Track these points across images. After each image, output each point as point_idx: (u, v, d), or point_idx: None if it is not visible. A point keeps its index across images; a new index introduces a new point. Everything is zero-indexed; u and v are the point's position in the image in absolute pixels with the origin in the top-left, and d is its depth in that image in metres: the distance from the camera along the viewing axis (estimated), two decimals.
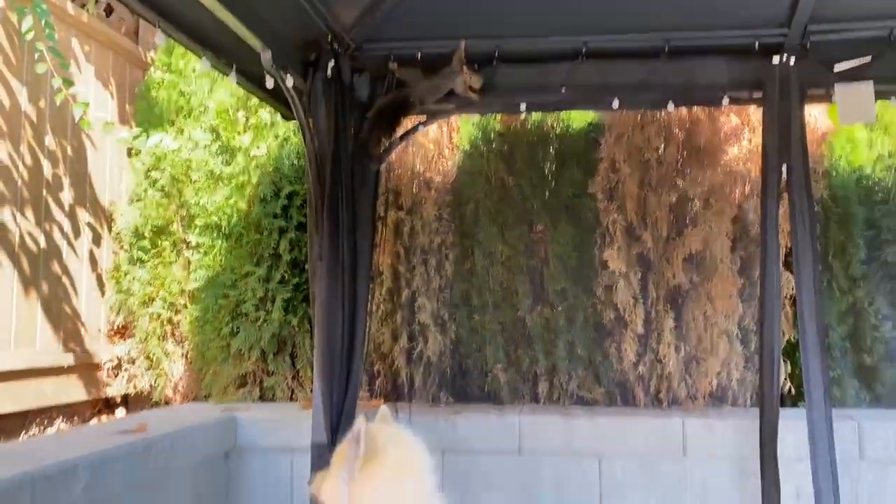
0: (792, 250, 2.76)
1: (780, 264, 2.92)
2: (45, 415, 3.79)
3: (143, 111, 4.17)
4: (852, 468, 2.91)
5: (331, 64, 2.81)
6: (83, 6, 4.12)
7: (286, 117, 3.36)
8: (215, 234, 3.76)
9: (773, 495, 2.78)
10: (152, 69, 4.30)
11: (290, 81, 2.63)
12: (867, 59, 2.77)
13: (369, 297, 3.19)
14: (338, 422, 2.97)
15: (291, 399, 3.77)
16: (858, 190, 3.48)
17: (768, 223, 2.83)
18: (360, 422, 2.19)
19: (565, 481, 3.07)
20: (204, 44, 2.48)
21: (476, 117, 3.59)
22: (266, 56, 2.46)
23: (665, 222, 3.28)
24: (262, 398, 3.79)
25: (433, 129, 3.59)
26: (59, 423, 3.86)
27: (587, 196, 3.41)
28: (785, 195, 2.88)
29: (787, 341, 3.23)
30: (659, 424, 3.04)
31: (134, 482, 2.47)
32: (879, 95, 2.83)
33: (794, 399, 3.28)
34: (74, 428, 3.71)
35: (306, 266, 3.76)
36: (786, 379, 3.22)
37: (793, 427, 2.93)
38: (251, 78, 2.72)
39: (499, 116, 3.62)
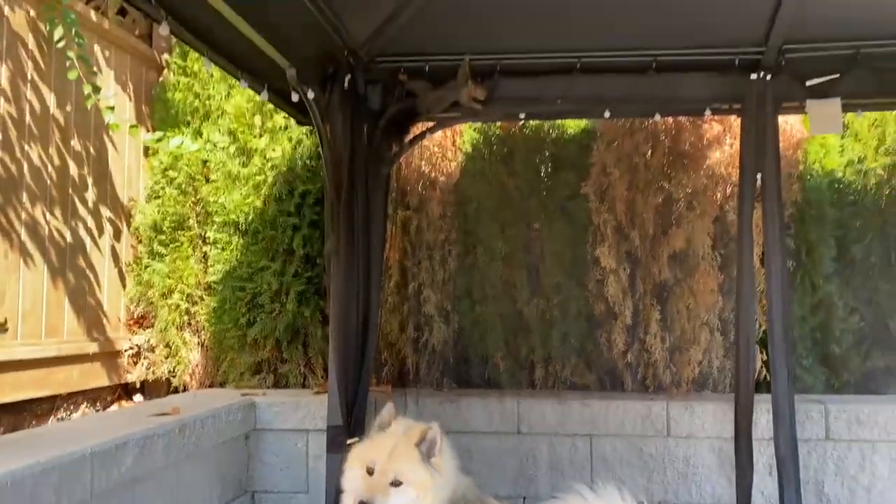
0: (764, 250, 3.06)
1: (755, 262, 3.22)
2: (71, 399, 4.04)
3: (160, 113, 4.41)
4: (819, 447, 3.21)
5: (347, 77, 3.06)
6: (102, 12, 4.33)
7: (300, 122, 3.62)
8: (232, 231, 4.02)
9: (746, 470, 3.09)
10: (167, 72, 4.53)
11: (310, 94, 2.88)
12: (836, 75, 3.06)
13: (381, 288, 3.48)
14: (353, 404, 3.25)
15: (304, 385, 4.03)
16: (831, 192, 3.77)
17: (744, 225, 3.11)
18: (435, 427, 2.43)
19: (560, 459, 3.35)
20: (240, 67, 2.75)
21: (479, 123, 3.86)
22: (291, 73, 2.71)
23: (651, 222, 3.56)
24: (276, 384, 4.05)
25: (438, 133, 3.85)
26: (84, 408, 4.11)
27: (580, 197, 3.69)
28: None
29: (764, 331, 3.52)
30: (645, 407, 3.33)
31: (172, 458, 2.74)
32: (847, 108, 3.12)
33: (769, 386, 3.57)
34: (117, 410, 3.97)
35: (318, 260, 4.02)
36: (761, 367, 3.51)
37: (766, 410, 3.23)
38: (278, 93, 2.97)
39: (499, 123, 3.88)
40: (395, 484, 2.34)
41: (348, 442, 2.81)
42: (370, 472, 2.39)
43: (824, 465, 3.20)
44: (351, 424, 3.23)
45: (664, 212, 3.61)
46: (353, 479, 2.46)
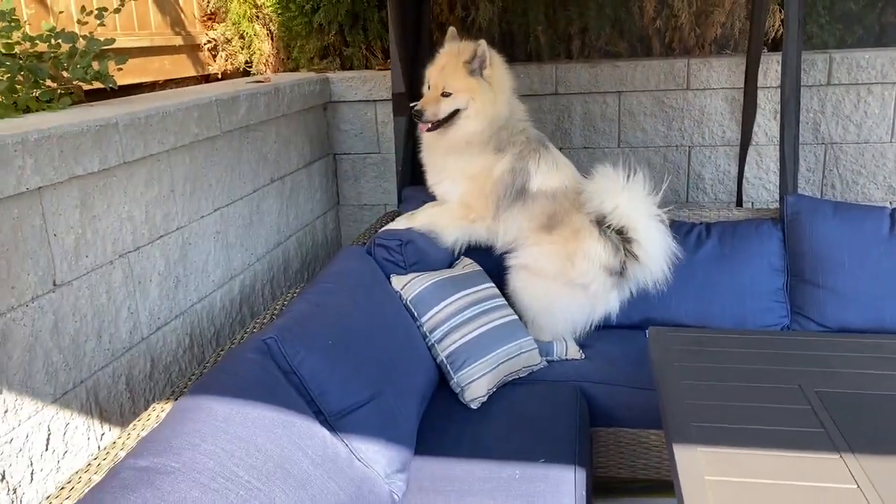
0: None
1: None
2: (166, 86, 4.66)
3: None
4: (820, 92, 3.67)
5: None
6: None
7: None
8: None
9: (750, 114, 3.60)
10: None
11: None
12: None
13: None
14: (412, 74, 3.77)
15: (367, 66, 4.54)
16: None
17: None
18: (482, 43, 2.90)
19: (592, 114, 3.90)
20: None
21: None
22: None
23: None
24: (342, 67, 4.57)
25: None
26: None
27: None
28: None
29: None
30: (668, 65, 3.77)
31: (272, 114, 3.36)
32: None
33: None
34: (221, 82, 4.58)
35: None
36: (779, 25, 3.86)
37: (776, 61, 3.65)
38: None
39: None
40: (445, 94, 2.89)
41: (411, 105, 3.35)
42: (429, 87, 2.95)
43: (823, 108, 3.68)
44: (412, 90, 3.79)
45: None
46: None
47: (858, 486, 1.59)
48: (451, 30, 3.06)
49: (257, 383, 1.88)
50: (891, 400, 1.96)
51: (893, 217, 3.19)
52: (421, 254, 2.92)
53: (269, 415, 1.79)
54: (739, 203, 3.69)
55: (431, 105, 2.92)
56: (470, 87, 2.88)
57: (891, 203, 3.75)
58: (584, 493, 2.14)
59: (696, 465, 1.69)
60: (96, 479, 1.50)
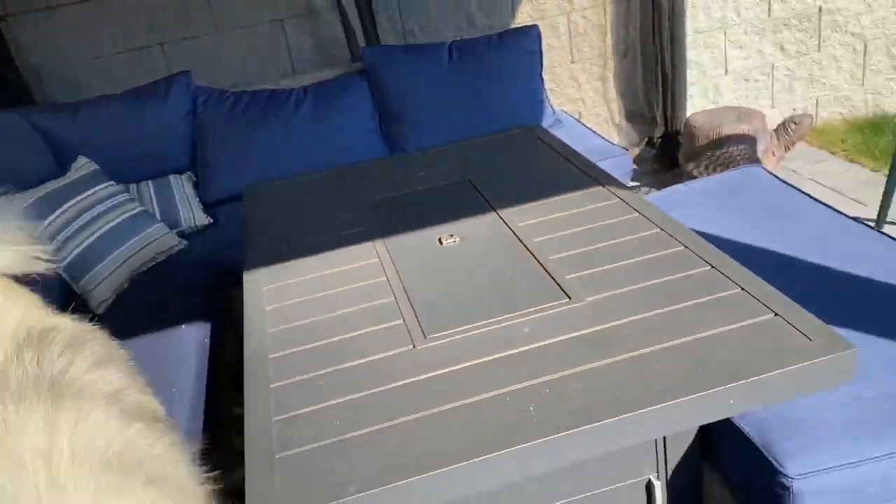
0: None
1: None
2: None
3: None
4: None
5: None
6: None
7: None
8: None
9: None
10: None
11: None
12: None
13: None
14: None
15: None
16: None
17: None
18: None
19: None
20: None
21: None
22: None
23: None
24: None
25: None
26: None
27: None
28: None
29: None
30: None
31: None
32: None
33: None
34: None
35: None
36: None
37: None
38: None
39: None
40: None
41: None
42: None
43: None
44: None
45: None
46: None
47: (379, 260, 2.06)
48: None
49: None
50: (415, 194, 2.47)
51: (451, 50, 3.76)
52: None
53: None
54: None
55: None
56: None
57: (461, 38, 4.35)
58: (205, 340, 2.45)
59: (258, 281, 2.05)
60: None
